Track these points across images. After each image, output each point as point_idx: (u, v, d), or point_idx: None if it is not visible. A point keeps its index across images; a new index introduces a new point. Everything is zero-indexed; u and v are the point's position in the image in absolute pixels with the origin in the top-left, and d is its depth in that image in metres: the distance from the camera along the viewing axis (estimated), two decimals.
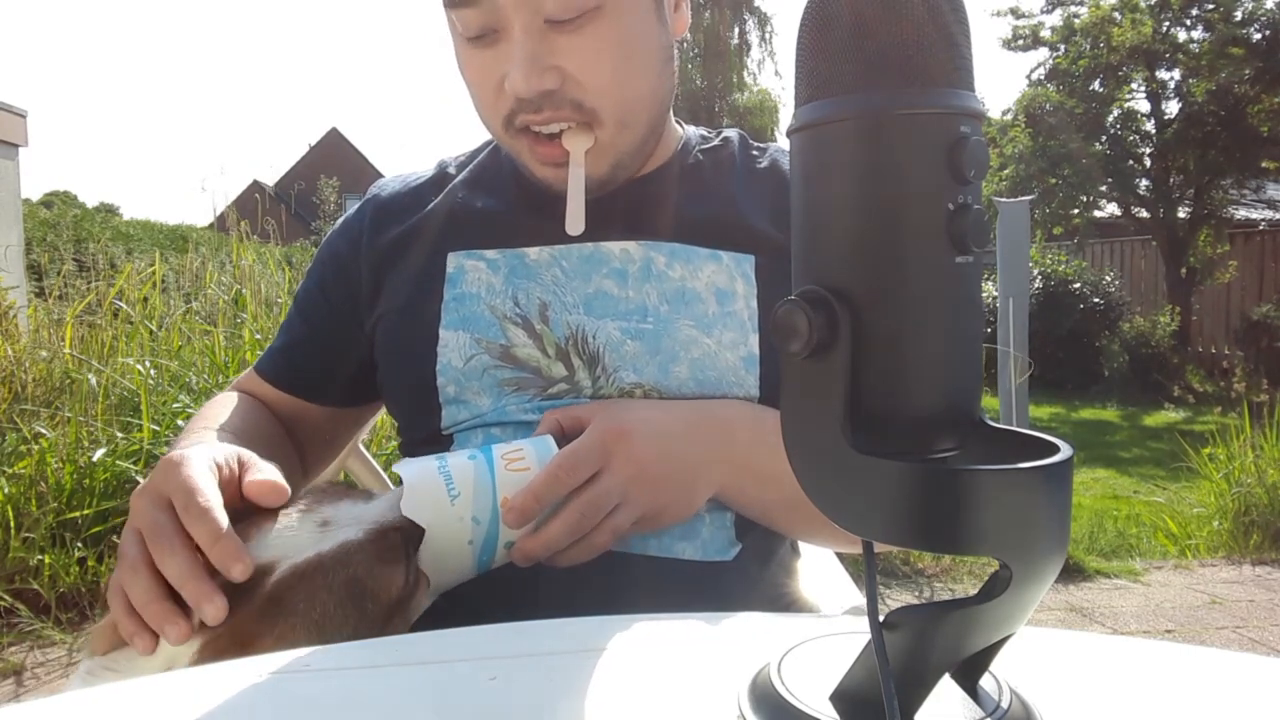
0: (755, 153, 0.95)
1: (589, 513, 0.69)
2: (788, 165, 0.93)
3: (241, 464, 0.68)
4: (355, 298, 0.92)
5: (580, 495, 0.69)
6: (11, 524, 2.64)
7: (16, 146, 6.68)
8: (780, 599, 0.86)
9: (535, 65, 0.76)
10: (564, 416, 0.76)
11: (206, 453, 0.66)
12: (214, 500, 0.60)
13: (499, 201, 0.90)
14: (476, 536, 0.67)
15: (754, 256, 0.85)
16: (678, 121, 0.97)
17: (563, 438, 0.73)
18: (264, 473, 0.66)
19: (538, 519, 0.68)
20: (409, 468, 0.69)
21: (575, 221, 0.81)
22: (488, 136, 0.90)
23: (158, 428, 2.92)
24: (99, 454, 2.82)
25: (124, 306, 3.69)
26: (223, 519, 0.59)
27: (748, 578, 0.81)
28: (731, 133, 0.98)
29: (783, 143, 0.94)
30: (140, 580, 0.58)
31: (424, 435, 0.85)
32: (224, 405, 0.90)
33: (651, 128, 0.85)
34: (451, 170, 0.97)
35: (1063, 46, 10.66)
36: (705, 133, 0.98)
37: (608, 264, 0.84)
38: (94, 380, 3.11)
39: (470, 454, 0.70)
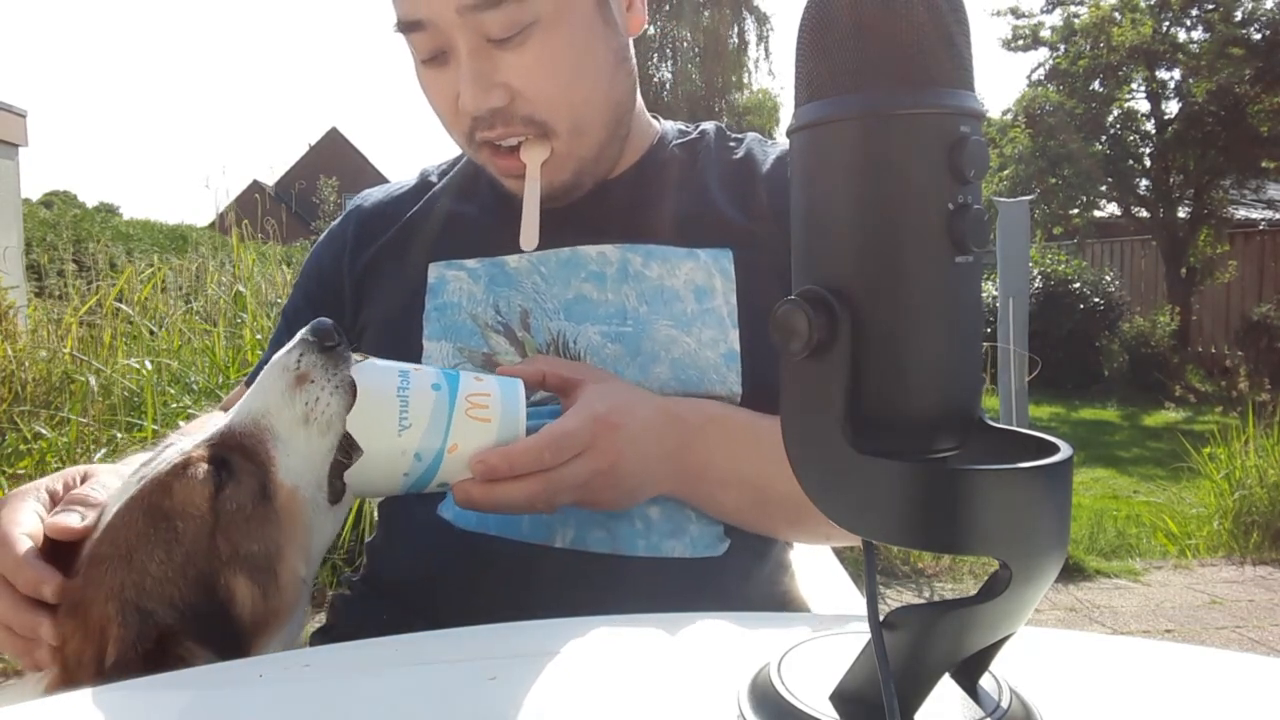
0: (732, 144, 0.95)
1: (551, 489, 0.69)
2: (765, 155, 0.93)
3: (80, 481, 0.68)
4: (340, 308, 0.93)
5: (551, 472, 0.68)
6: None
7: (16, 146, 6.69)
8: (778, 596, 0.86)
9: (481, 84, 0.78)
10: (552, 375, 0.75)
11: (46, 481, 0.67)
12: (15, 530, 0.61)
13: (478, 209, 0.91)
14: (414, 471, 0.66)
15: (731, 250, 0.85)
16: (654, 116, 0.97)
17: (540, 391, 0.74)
18: (67, 510, 0.64)
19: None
20: (369, 374, 0.65)
21: (529, 236, 0.82)
22: None
23: (159, 427, 2.92)
24: (99, 454, 2.81)
25: (124, 308, 3.69)
26: (19, 548, 0.60)
27: (743, 574, 0.81)
28: (709, 126, 0.98)
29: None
30: None
31: None
32: (205, 423, 0.91)
33: (611, 130, 0.86)
34: (433, 179, 0.98)
35: (1063, 46, 10.64)
36: (683, 127, 0.98)
37: (586, 268, 0.85)
38: (94, 380, 3.10)
39: (435, 382, 0.67)
